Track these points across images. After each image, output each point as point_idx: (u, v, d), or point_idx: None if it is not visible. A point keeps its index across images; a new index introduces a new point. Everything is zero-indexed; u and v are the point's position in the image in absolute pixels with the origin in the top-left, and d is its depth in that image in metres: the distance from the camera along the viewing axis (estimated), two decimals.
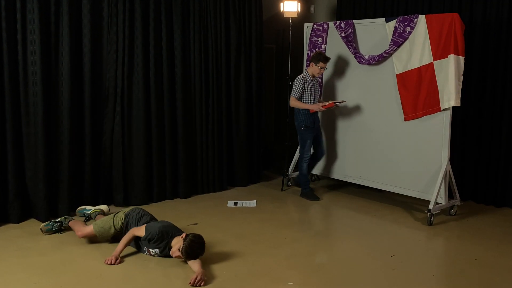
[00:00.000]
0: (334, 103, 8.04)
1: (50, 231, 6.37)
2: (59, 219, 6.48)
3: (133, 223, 5.93)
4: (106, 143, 7.54)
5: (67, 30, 6.97)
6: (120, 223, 5.99)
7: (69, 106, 7.08)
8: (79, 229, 6.11)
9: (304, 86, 8.00)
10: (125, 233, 5.83)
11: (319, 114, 8.50)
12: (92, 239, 6.10)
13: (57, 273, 5.28)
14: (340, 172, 8.70)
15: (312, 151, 8.48)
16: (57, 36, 6.97)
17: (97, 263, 5.51)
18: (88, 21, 7.17)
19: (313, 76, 8.12)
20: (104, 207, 7.12)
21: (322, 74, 8.39)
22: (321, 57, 7.96)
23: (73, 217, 6.67)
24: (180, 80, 8.02)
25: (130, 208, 6.21)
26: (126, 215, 6.03)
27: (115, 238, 6.00)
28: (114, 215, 6.09)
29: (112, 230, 6.00)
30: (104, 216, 6.80)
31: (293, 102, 8.10)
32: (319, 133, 8.53)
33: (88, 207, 7.07)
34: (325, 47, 8.58)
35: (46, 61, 6.88)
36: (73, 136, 7.17)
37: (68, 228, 6.43)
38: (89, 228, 6.08)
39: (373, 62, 7.86)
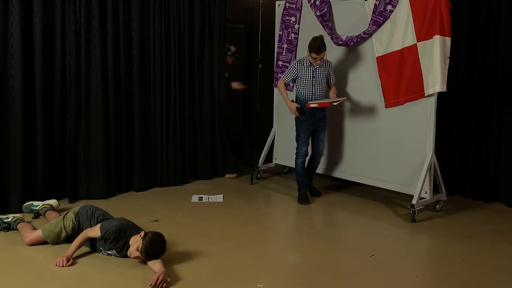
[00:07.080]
0: (330, 103, 7.56)
1: None
2: (8, 220, 6.43)
3: (85, 221, 5.90)
4: (61, 132, 7.54)
5: (17, 8, 6.92)
6: (71, 225, 5.94)
7: (21, 92, 7.02)
8: (26, 236, 6.03)
9: (298, 70, 7.66)
10: (78, 234, 5.79)
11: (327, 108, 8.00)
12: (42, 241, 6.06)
13: (5, 274, 5.25)
14: None
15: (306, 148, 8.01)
16: (6, 15, 6.91)
17: (49, 263, 5.48)
18: None
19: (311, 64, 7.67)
20: (53, 201, 7.11)
21: (327, 66, 7.80)
22: (312, 48, 7.39)
23: (23, 218, 6.61)
24: (138, 63, 8.04)
25: (79, 206, 6.15)
26: (76, 215, 5.97)
27: (68, 239, 5.96)
28: (64, 217, 6.03)
29: (64, 234, 5.95)
30: (54, 211, 6.82)
31: (279, 86, 7.93)
32: (320, 130, 7.96)
33: (35, 203, 7.05)
34: (299, 27, 8.61)
35: None
36: (25, 125, 7.13)
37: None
38: (37, 234, 6.01)
39: (351, 43, 7.89)
